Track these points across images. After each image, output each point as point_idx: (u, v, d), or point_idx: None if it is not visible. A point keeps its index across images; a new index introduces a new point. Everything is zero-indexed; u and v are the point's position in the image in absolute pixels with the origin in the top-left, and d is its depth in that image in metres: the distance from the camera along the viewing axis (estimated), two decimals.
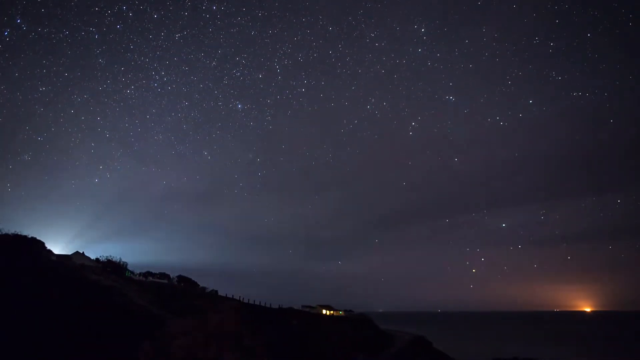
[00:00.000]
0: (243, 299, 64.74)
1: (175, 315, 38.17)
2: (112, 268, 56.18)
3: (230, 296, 64.45)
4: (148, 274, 63.97)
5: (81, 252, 60.73)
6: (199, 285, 65.53)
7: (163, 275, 65.25)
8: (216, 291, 65.08)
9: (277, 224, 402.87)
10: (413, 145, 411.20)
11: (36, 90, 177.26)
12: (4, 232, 43.36)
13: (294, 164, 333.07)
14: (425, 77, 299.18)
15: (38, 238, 48.07)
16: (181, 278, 66.01)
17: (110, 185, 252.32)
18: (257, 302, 65.87)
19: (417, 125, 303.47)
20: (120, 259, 60.55)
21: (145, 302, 42.88)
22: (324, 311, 79.93)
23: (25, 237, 45.35)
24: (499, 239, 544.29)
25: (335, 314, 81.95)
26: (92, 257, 60.41)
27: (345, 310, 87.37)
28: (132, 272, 61.20)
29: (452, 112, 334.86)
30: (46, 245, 50.42)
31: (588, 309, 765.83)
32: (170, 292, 52.88)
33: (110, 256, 60.09)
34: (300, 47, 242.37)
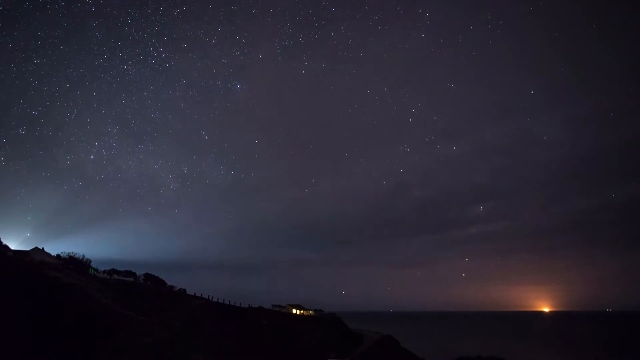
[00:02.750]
0: (212, 297, 63.62)
1: (141, 314, 37.08)
2: (74, 265, 53.78)
3: (199, 295, 63.17)
4: (113, 271, 61.65)
5: (41, 247, 57.88)
6: (166, 283, 63.89)
7: (129, 273, 63.05)
8: (184, 290, 63.64)
9: (271, 214, 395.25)
10: (412, 132, 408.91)
11: (31, 63, 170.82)
12: None
13: (292, 147, 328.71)
14: (427, 63, 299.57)
15: None
16: (148, 276, 64.12)
17: (106, 163, 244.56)
18: (226, 301, 64.91)
19: (416, 111, 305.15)
20: (83, 256, 58.16)
21: (109, 300, 41.38)
22: (294, 310, 79.82)
23: None
24: (468, 244, 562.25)
25: (305, 313, 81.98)
26: (53, 253, 57.77)
27: (315, 310, 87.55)
28: (96, 270, 58.81)
29: (453, 100, 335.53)
30: (2, 240, 47.81)
31: (546, 309, 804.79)
32: (136, 291, 51.28)
33: (72, 253, 57.58)
34: (301, 28, 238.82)
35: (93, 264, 59.61)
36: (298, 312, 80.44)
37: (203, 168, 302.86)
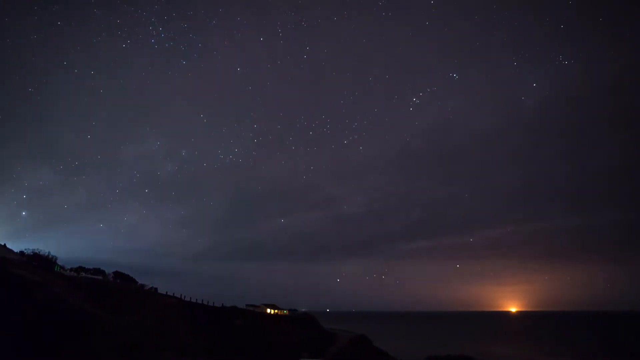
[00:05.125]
0: (184, 297, 62.74)
1: (109, 313, 36.16)
2: (39, 262, 51.76)
3: (171, 294, 62.11)
4: (80, 269, 59.73)
5: (2, 244, 55.39)
6: (137, 282, 62.52)
7: (97, 271, 61.29)
8: (156, 288, 62.44)
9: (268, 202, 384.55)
10: (412, 121, 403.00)
11: (28, 38, 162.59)
12: None
13: (291, 132, 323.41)
14: (430, 51, 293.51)
15: None
16: (117, 274, 62.53)
17: (103, 143, 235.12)
18: (199, 301, 64.15)
19: (418, 100, 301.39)
20: (49, 252, 56.01)
21: (76, 299, 40.10)
22: (268, 310, 79.56)
23: None
24: (438, 246, 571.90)
25: (279, 312, 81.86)
26: (18, 250, 55.40)
27: (289, 310, 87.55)
28: (62, 267, 56.79)
29: (455, 90, 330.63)
30: None
31: (513, 309, 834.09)
32: (105, 289, 49.88)
33: (37, 249, 55.35)
34: (304, 12, 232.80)
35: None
36: (272, 311, 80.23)
37: (201, 151, 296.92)
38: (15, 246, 55.14)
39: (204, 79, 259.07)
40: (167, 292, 61.98)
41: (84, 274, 58.44)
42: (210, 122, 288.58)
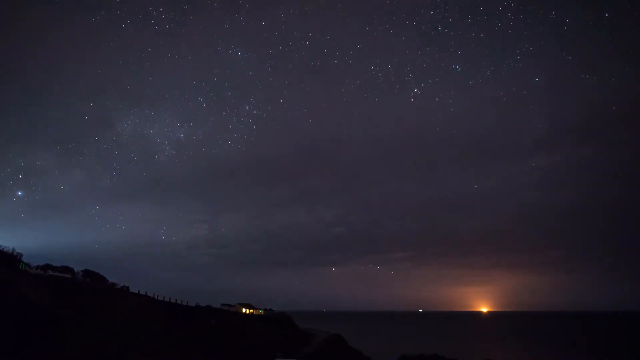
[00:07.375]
0: (157, 296, 61.34)
1: (77, 313, 34.92)
2: (2, 259, 49.32)
3: (144, 293, 60.56)
4: (47, 267, 57.34)
5: None
6: (107, 280, 60.66)
7: (65, 269, 59.00)
8: (128, 287, 60.74)
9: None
10: (413, 113, 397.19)
11: (24, 18, 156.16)
12: None
13: (290, 121, 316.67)
14: (433, 42, 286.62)
15: None
16: (87, 272, 60.48)
17: (101, 125, 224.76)
18: (172, 300, 62.87)
19: (419, 92, 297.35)
20: (13, 249, 53.44)
21: (42, 298, 38.48)
22: (243, 310, 78.81)
23: None
24: (413, 245, 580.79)
25: (255, 312, 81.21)
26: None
27: (265, 309, 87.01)
28: (27, 265, 54.35)
29: (457, 83, 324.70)
30: None
31: (484, 309, 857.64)
32: (73, 288, 48.13)
33: (0, 246, 52.72)
34: None
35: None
36: (248, 311, 79.52)
37: (200, 136, 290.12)
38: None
39: (204, 62, 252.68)
40: (139, 291, 60.46)
41: (51, 272, 56.14)
42: (209, 107, 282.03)
